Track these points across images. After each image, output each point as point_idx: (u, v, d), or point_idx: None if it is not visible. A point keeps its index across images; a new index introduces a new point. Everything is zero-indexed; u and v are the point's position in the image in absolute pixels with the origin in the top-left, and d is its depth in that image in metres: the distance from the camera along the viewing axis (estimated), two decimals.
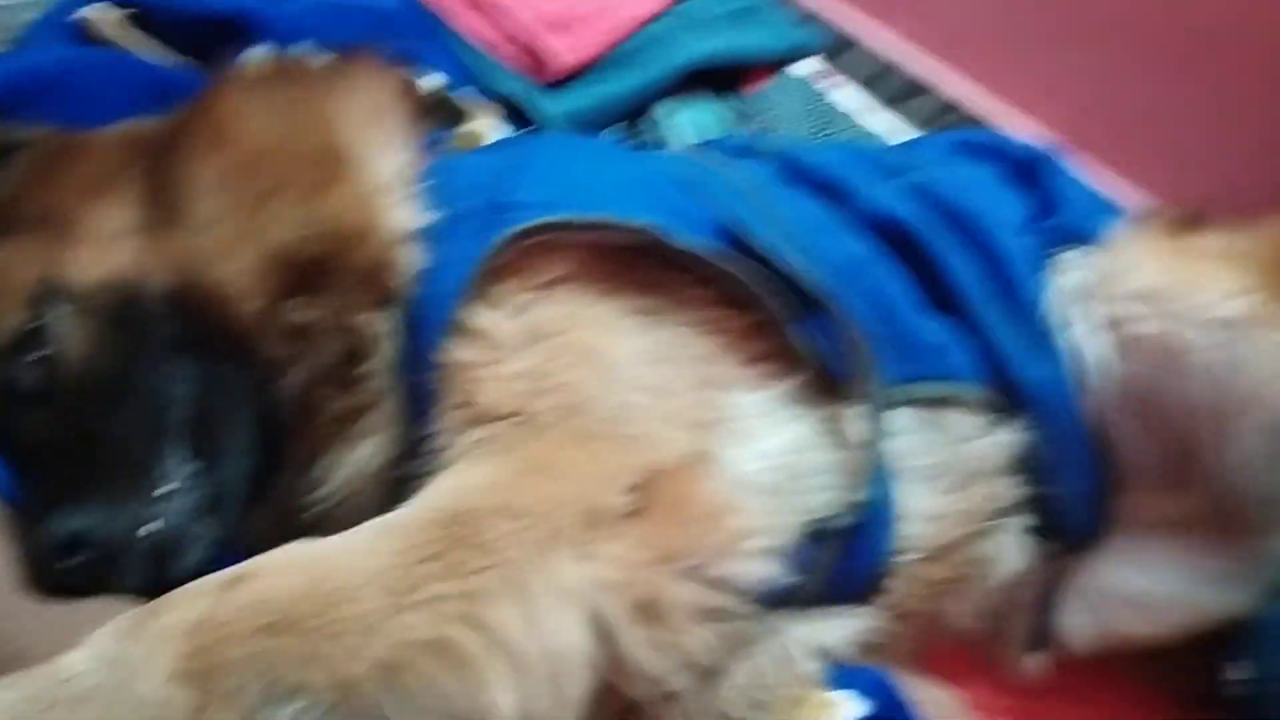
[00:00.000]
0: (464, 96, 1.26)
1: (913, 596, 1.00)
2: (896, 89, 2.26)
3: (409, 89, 0.99)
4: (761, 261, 0.94)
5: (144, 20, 1.21)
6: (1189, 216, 1.14)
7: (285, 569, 0.71)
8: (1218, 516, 1.08)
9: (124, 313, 0.86)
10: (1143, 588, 1.09)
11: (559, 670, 0.71)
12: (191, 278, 0.86)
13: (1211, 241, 1.10)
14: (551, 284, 0.88)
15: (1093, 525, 1.08)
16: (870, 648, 0.99)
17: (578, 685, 0.72)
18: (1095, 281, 1.07)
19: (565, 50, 1.49)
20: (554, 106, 1.49)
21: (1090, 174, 2.24)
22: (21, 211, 0.90)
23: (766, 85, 1.70)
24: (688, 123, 1.55)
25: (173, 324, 0.87)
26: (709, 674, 0.87)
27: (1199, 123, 2.15)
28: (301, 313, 0.87)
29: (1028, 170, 1.21)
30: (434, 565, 0.71)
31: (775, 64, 1.73)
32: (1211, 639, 1.08)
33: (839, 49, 2.26)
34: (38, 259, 0.87)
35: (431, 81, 1.18)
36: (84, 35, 1.24)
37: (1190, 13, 1.98)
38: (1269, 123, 2.06)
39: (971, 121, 2.25)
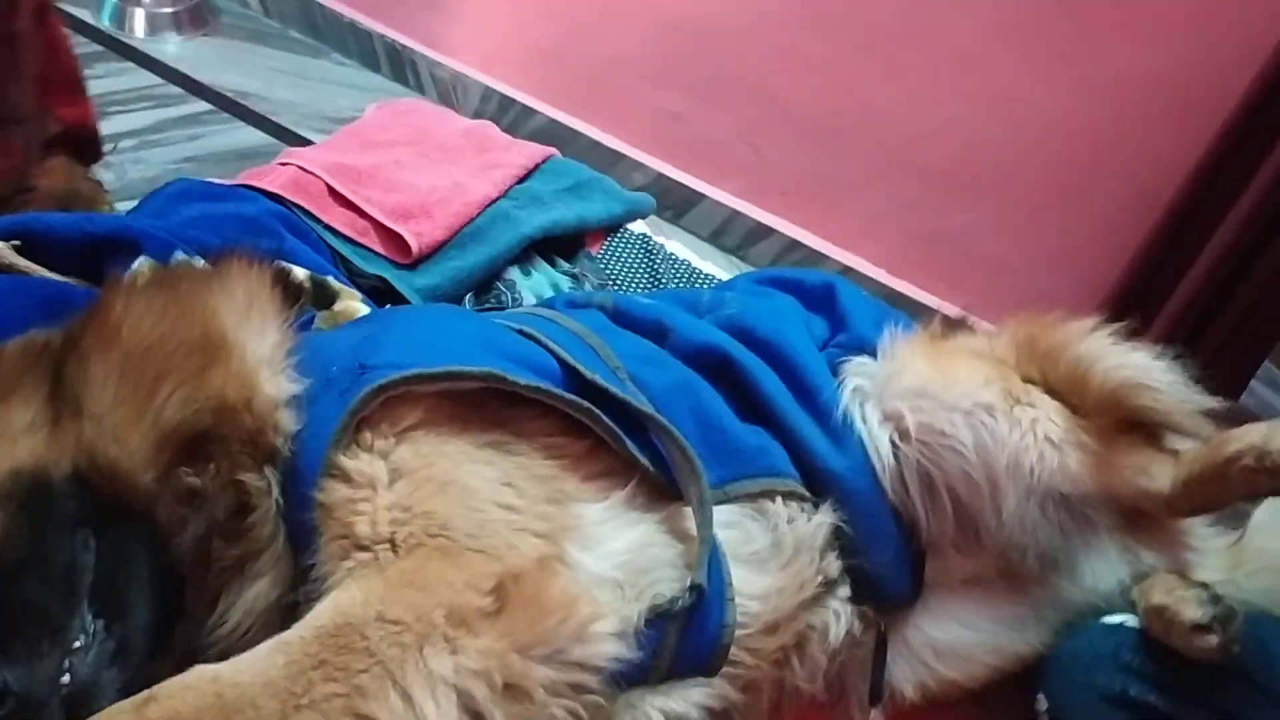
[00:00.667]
0: (332, 281, 1.42)
1: (757, 666, 1.14)
2: (742, 236, 2.54)
3: (277, 277, 1.14)
4: (595, 393, 1.10)
5: (30, 250, 1.34)
6: (949, 324, 1.35)
7: (190, 688, 0.83)
8: (1007, 571, 1.28)
9: (33, 496, 0.97)
10: (955, 637, 1.26)
11: None
12: (92, 460, 0.98)
13: (965, 342, 1.32)
14: (410, 429, 1.02)
15: (905, 588, 1.25)
16: (725, 715, 1.12)
17: None
18: (874, 384, 1.26)
19: (413, 236, 1.68)
20: (415, 283, 1.68)
21: (913, 292, 2.52)
22: None
23: (609, 243, 1.92)
24: (535, 286, 1.75)
25: (78, 501, 0.98)
26: None
27: (1002, 241, 2.45)
28: (192, 479, 0.99)
29: (822, 296, 1.42)
30: (320, 671, 0.84)
31: (614, 226, 1.96)
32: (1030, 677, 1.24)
33: (685, 207, 2.54)
34: None
35: (300, 273, 1.33)
36: None
37: (987, 149, 2.27)
38: (1062, 237, 2.36)
39: (813, 257, 2.53)
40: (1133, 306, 2.22)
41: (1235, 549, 1.37)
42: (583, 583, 1.01)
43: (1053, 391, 1.28)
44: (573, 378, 1.13)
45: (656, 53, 2.61)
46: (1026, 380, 1.28)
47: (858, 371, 1.28)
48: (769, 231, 2.66)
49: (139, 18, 2.83)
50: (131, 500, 0.98)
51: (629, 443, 1.10)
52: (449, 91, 2.83)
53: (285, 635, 0.88)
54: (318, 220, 1.69)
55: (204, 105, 2.68)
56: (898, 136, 2.48)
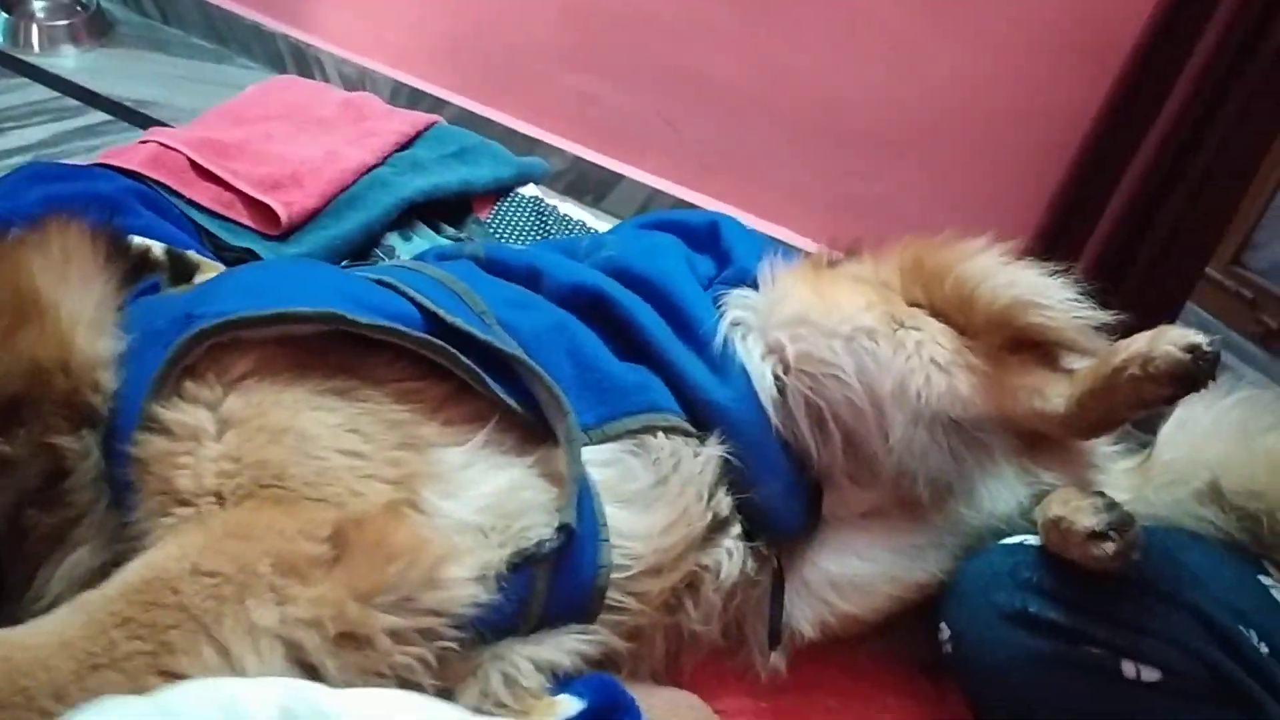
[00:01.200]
0: (192, 254, 1.35)
1: (644, 612, 1.08)
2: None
3: (98, 236, 1.07)
4: (458, 338, 1.04)
5: None
6: (833, 253, 1.30)
7: None
8: (904, 501, 1.23)
9: None
10: (853, 570, 1.21)
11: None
12: None
13: (849, 269, 1.27)
14: (241, 379, 0.96)
15: (797, 520, 1.20)
16: (613, 663, 1.06)
17: None
18: (755, 315, 1.21)
19: (283, 206, 1.61)
20: (286, 254, 1.62)
21: None
22: None
23: (499, 207, 1.86)
24: (417, 251, 1.68)
25: None
26: (440, 695, 0.92)
27: (924, 200, 2.42)
28: (5, 442, 0.92)
29: (706, 235, 1.37)
30: (123, 629, 0.77)
31: (503, 190, 1.90)
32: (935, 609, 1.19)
33: (605, 189, 2.51)
34: None
35: (157, 247, 1.26)
36: None
37: (900, 109, 2.25)
38: (982, 189, 2.34)
39: None
40: (1055, 252, 2.19)
41: (1143, 467, 1.33)
42: (441, 529, 0.96)
43: (940, 314, 1.24)
44: (433, 324, 1.07)
45: (566, 35, 2.57)
46: (912, 304, 1.24)
47: (738, 303, 1.24)
48: (691, 208, 2.60)
49: (34, 32, 2.75)
50: None
51: (490, 382, 1.05)
52: (358, 88, 2.76)
53: (87, 594, 0.82)
54: (180, 196, 1.61)
55: (102, 116, 2.60)
56: (813, 103, 2.45)
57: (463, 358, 1.04)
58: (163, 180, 1.61)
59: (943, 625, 1.16)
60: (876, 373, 1.17)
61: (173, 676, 0.76)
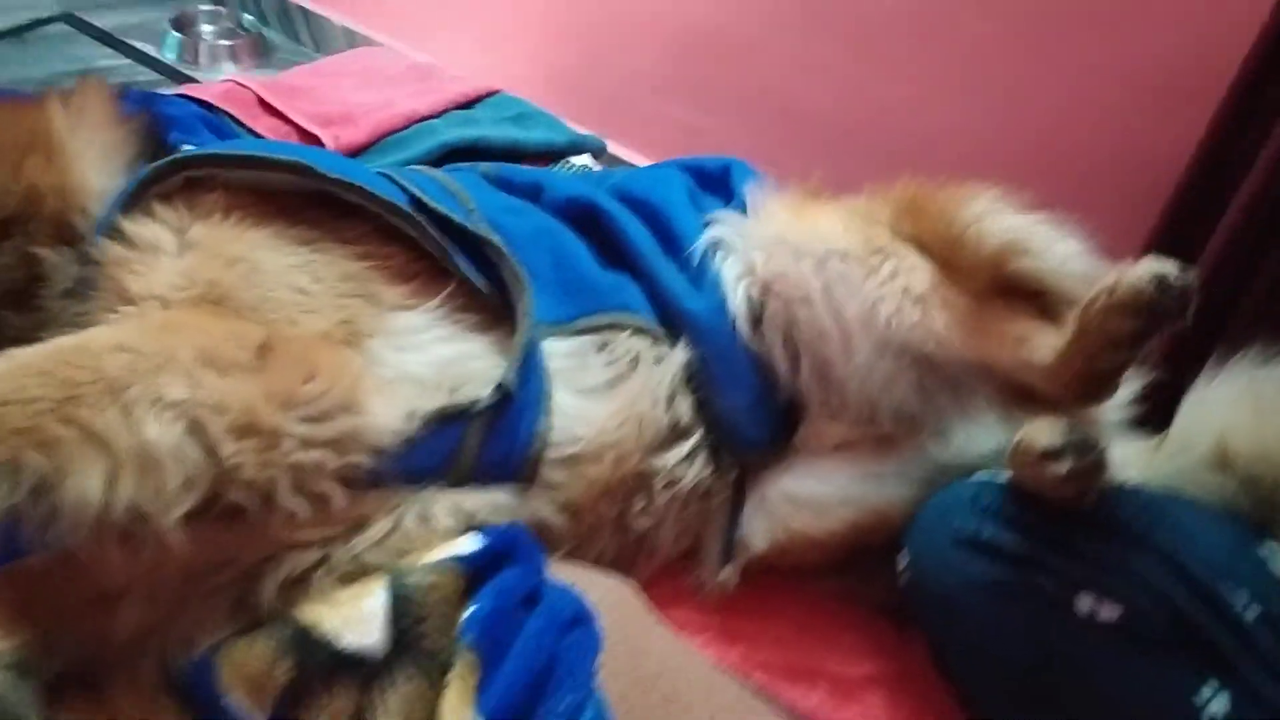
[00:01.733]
0: None
1: (585, 490, 1.10)
2: None
3: (120, 103, 1.17)
4: (434, 220, 1.09)
5: None
6: (820, 187, 1.30)
7: None
8: (873, 438, 1.18)
9: None
10: (813, 490, 1.18)
11: (150, 462, 0.81)
12: None
13: (842, 200, 1.25)
14: (208, 212, 1.03)
15: (761, 435, 1.18)
16: (549, 539, 1.06)
17: (172, 481, 0.81)
18: (736, 234, 1.22)
19: (331, 138, 1.72)
20: None
21: None
22: None
23: (548, 168, 1.93)
24: None
25: None
26: (347, 529, 0.94)
27: None
28: None
29: (718, 177, 1.40)
30: (40, 379, 0.82)
31: (554, 156, 1.96)
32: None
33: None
34: None
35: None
36: None
37: (995, 144, 2.27)
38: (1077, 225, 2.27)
39: None
40: None
41: (1157, 444, 1.25)
42: (379, 371, 0.98)
43: (930, 250, 1.20)
44: (419, 211, 1.11)
45: (671, 68, 2.67)
46: (904, 237, 1.21)
47: (722, 221, 1.24)
48: None
49: (201, 51, 3.01)
50: None
51: (454, 255, 1.08)
52: None
53: (16, 350, 0.86)
54: (243, 125, 1.74)
55: None
56: (908, 137, 2.45)
57: (429, 229, 1.08)
58: (229, 111, 1.75)
59: (903, 551, 1.11)
60: (844, 295, 1.15)
61: (75, 425, 0.80)
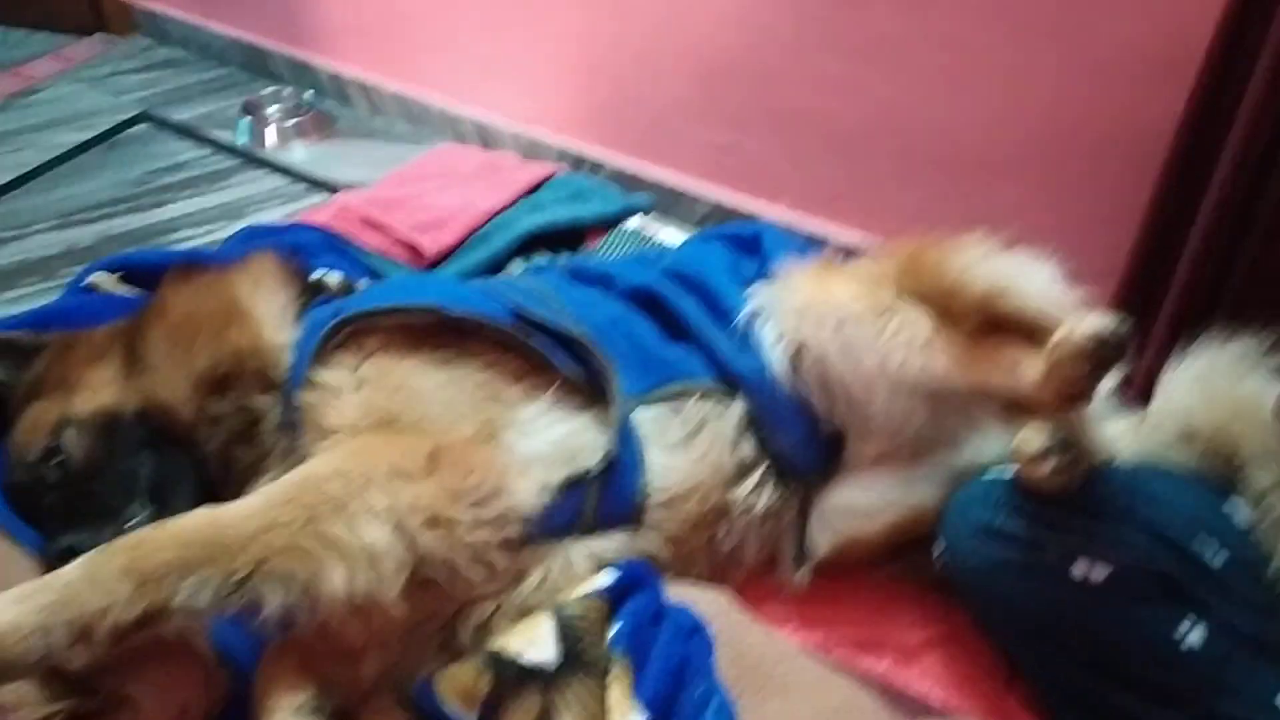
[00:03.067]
0: (361, 281, 1.80)
1: (681, 525, 1.45)
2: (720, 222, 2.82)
3: (284, 265, 1.53)
4: (538, 327, 1.42)
5: (131, 279, 1.79)
6: (842, 255, 1.61)
7: (190, 516, 1.17)
8: (904, 450, 1.52)
9: (110, 426, 1.38)
10: (860, 499, 1.53)
11: (374, 558, 1.16)
12: (149, 399, 1.39)
13: (854, 266, 1.58)
14: (371, 352, 1.37)
15: (814, 464, 1.52)
16: (657, 566, 1.39)
17: (390, 570, 1.16)
18: (771, 303, 1.55)
19: (430, 243, 2.08)
20: None
21: None
22: (47, 381, 1.44)
23: (608, 237, 2.30)
24: None
25: (140, 430, 1.38)
26: (513, 581, 1.29)
27: (1028, 216, 2.62)
28: (218, 405, 1.37)
29: (751, 242, 1.71)
30: (287, 506, 1.17)
31: (610, 224, 2.30)
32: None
33: (670, 202, 2.84)
34: (57, 406, 1.40)
35: (334, 276, 1.70)
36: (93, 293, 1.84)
37: (997, 134, 2.55)
38: (1080, 203, 2.52)
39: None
40: (1155, 259, 2.35)
41: (1137, 423, 1.55)
42: (515, 457, 1.32)
43: (929, 302, 1.50)
44: (517, 316, 1.45)
45: (699, 92, 2.94)
46: (907, 294, 1.51)
47: (759, 294, 1.57)
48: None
49: (270, 132, 3.36)
50: (177, 427, 1.38)
51: (552, 353, 1.41)
52: (532, 156, 3.22)
53: (265, 487, 1.21)
54: (354, 241, 2.10)
55: (326, 194, 3.12)
56: (922, 134, 2.71)
57: (531, 333, 1.41)
58: (342, 230, 2.11)
59: (938, 540, 1.43)
60: (859, 352, 1.47)
61: (318, 539, 1.15)
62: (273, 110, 3.44)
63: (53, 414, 1.40)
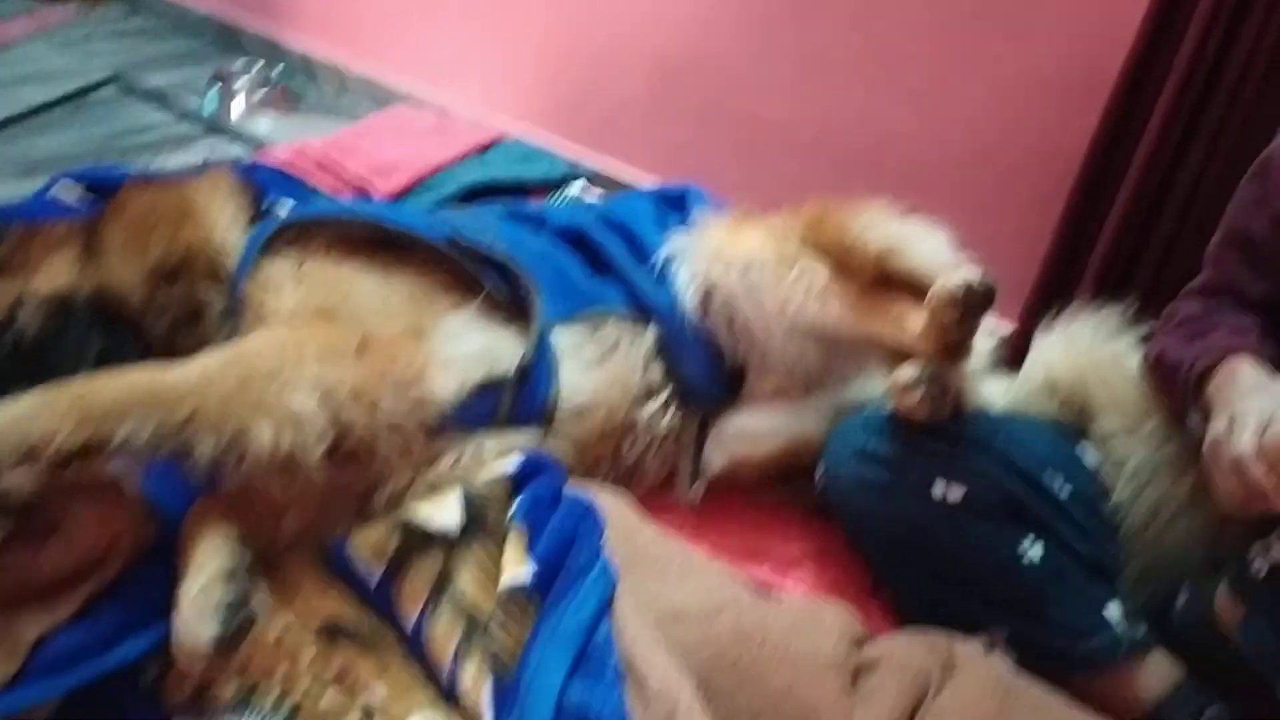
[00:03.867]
0: None
1: (588, 433, 1.62)
2: None
3: (240, 182, 1.68)
4: (470, 252, 1.58)
5: (95, 190, 1.94)
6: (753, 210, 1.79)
7: (140, 369, 1.31)
8: (799, 384, 1.69)
9: (62, 307, 1.51)
10: (754, 425, 1.70)
11: (299, 423, 1.30)
12: (103, 284, 1.53)
13: (760, 221, 1.76)
14: (313, 254, 1.53)
15: (715, 392, 1.69)
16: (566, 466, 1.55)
17: (312, 435, 1.31)
18: (687, 248, 1.73)
19: (381, 183, 2.25)
20: None
21: None
22: (9, 264, 1.56)
23: (547, 198, 2.47)
24: None
25: (90, 312, 1.52)
26: (428, 461, 1.44)
27: (958, 225, 2.81)
28: (167, 293, 1.52)
29: (678, 199, 1.90)
30: (225, 369, 1.32)
31: (553, 186, 2.49)
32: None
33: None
34: (16, 287, 1.53)
35: (284, 204, 1.85)
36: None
37: (930, 146, 2.73)
38: (1000, 213, 2.71)
39: None
40: (1063, 277, 2.54)
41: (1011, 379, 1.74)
42: (439, 355, 1.47)
43: (829, 257, 1.68)
44: (457, 245, 1.61)
45: (655, 88, 3.09)
46: (810, 246, 1.69)
47: (676, 239, 1.74)
48: None
49: (237, 103, 3.50)
50: (126, 312, 1.53)
51: (483, 273, 1.58)
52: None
53: (206, 355, 1.35)
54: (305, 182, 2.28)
55: None
56: (861, 142, 2.88)
57: (463, 252, 1.58)
58: (298, 170, 2.28)
59: (820, 463, 1.60)
60: (761, 294, 1.65)
61: (249, 403, 1.28)
62: (242, 82, 3.55)
63: (12, 292, 1.54)
